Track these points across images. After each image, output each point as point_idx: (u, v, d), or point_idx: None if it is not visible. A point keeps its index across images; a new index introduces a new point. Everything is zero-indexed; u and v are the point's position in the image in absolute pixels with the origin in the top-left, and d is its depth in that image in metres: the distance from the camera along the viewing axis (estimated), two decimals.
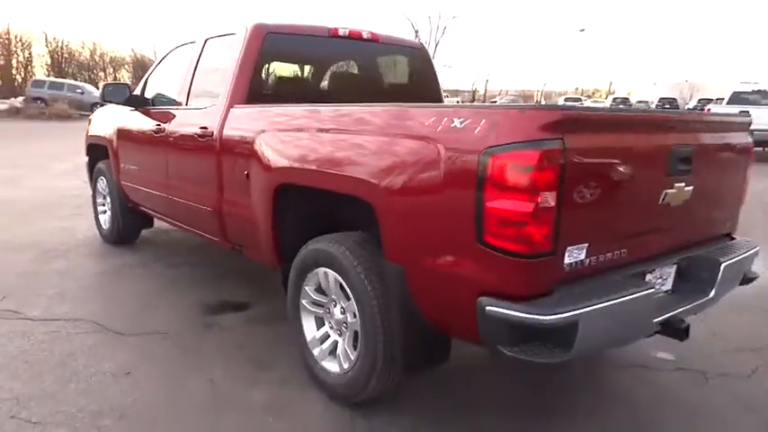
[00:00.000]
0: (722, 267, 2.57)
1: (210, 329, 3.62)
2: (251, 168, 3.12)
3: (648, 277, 2.45)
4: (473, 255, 2.02)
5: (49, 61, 43.28)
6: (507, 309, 1.93)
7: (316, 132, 2.73)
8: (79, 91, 29.04)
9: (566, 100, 43.26)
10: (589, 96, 62.30)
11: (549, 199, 1.89)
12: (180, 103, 4.05)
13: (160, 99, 4.44)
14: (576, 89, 69.34)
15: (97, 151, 5.42)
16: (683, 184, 2.39)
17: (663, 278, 2.54)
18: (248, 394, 2.84)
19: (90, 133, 5.58)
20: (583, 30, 61.05)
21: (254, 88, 3.46)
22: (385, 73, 4.36)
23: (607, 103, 42.56)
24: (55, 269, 4.72)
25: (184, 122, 3.85)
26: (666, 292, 2.59)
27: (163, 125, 4.08)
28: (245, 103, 3.40)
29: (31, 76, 36.30)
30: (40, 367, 3.04)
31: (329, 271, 2.66)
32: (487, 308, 1.97)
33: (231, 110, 3.40)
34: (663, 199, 2.32)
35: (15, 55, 40.56)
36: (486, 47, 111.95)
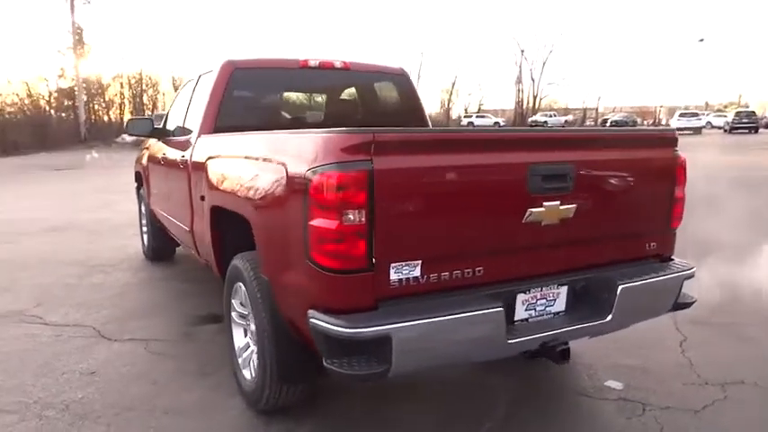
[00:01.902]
0: (619, 290, 2.47)
1: (186, 338, 3.96)
2: (203, 191, 3.45)
3: (522, 297, 2.41)
4: (304, 270, 2.15)
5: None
6: (324, 321, 2.04)
7: (229, 157, 2.99)
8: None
9: (681, 116, 40.41)
10: (720, 110, 57.74)
11: (358, 217, 1.99)
12: (180, 133, 4.50)
13: (171, 130, 4.93)
14: (706, 103, 64.67)
15: (140, 179, 6.08)
16: (556, 203, 2.34)
17: (548, 299, 2.48)
18: (179, 396, 3.10)
19: (136, 162, 6.27)
20: (702, 40, 56.73)
21: (222, 119, 3.79)
22: (360, 100, 4.54)
23: (729, 118, 39.24)
24: (91, 282, 5.36)
25: (175, 151, 4.28)
26: (557, 313, 2.52)
27: (166, 153, 4.56)
28: (210, 133, 3.75)
29: (155, 111, 40.43)
30: (29, 364, 3.52)
31: (241, 285, 2.88)
32: (311, 320, 2.09)
33: (198, 139, 3.76)
34: (527, 217, 2.29)
35: (146, 92, 45.53)
36: (598, 62, 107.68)
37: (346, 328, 1.99)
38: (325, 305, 2.08)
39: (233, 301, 3.08)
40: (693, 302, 2.86)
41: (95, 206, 9.95)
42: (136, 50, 72.83)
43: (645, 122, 61.10)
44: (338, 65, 4.19)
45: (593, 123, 54.87)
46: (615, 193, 2.60)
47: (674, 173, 2.73)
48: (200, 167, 3.50)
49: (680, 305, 2.81)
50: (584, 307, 2.55)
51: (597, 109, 63.31)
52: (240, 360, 3.05)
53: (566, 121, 52.83)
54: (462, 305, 2.14)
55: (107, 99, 42.71)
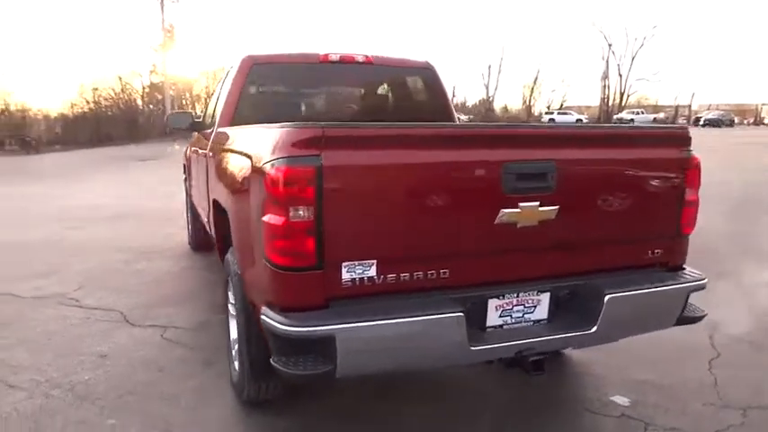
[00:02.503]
0: (606, 299, 2.28)
1: (202, 328, 4.06)
2: (210, 183, 3.52)
3: (495, 303, 2.28)
4: (262, 266, 2.13)
5: None
6: (272, 319, 2.01)
7: (221, 151, 3.02)
8: None
9: None
10: None
11: (307, 213, 1.94)
12: (208, 126, 4.62)
13: (208, 123, 5.07)
14: None
15: (185, 170, 6.31)
16: (534, 204, 2.19)
17: (526, 305, 2.33)
18: (180, 383, 3.18)
19: (184, 155, 6.51)
20: None
21: (239, 113, 3.85)
22: (383, 94, 4.46)
23: None
24: (134, 268, 5.62)
25: (203, 142, 4.40)
26: (538, 321, 2.36)
27: (198, 146, 4.69)
28: (228, 126, 3.81)
29: None
30: (52, 345, 3.73)
31: (230, 279, 2.91)
32: (262, 317, 2.07)
33: (216, 131, 3.84)
34: (500, 218, 2.15)
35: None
36: (693, 56, 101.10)
37: (289, 326, 1.95)
38: (278, 302, 2.05)
39: (229, 293, 3.12)
40: (702, 317, 2.61)
41: (161, 196, 10.43)
42: (222, 46, 75.77)
43: (744, 121, 56.87)
44: (360, 59, 4.14)
45: (685, 121, 51.65)
46: (608, 194, 2.39)
47: (683, 174, 2.48)
48: (212, 159, 3.57)
49: (686, 319, 2.57)
50: (569, 316, 2.38)
51: (690, 106, 59.52)
52: (233, 352, 3.08)
53: (654, 118, 49.93)
54: (417, 308, 2.05)
55: (193, 94, 44.84)
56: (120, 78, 36.53)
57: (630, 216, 2.44)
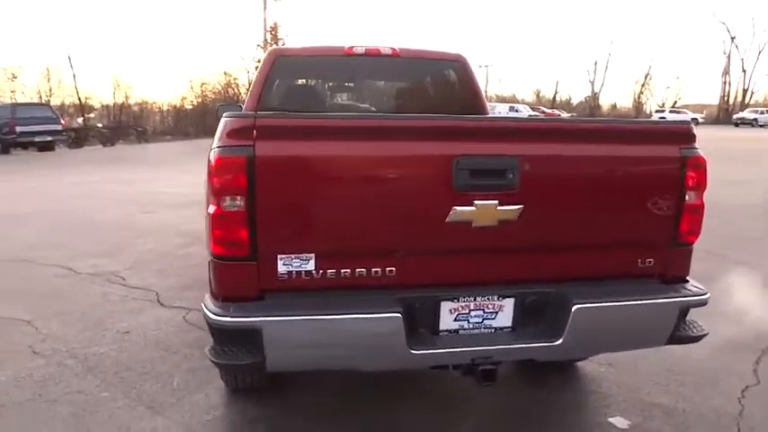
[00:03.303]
0: (574, 310, 2.09)
1: None
2: None
3: (449, 306, 2.14)
4: (208, 256, 2.14)
5: None
6: (207, 308, 2.02)
7: None
8: None
9: None
10: None
11: (238, 203, 1.93)
12: None
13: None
14: None
15: None
16: (492, 202, 2.04)
17: (486, 311, 2.18)
18: (181, 365, 3.29)
19: None
20: None
21: (263, 103, 3.91)
22: (410, 87, 4.35)
23: None
24: (185, 252, 5.91)
25: None
26: (500, 328, 2.20)
27: None
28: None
29: None
30: (85, 319, 4.00)
31: None
32: (202, 305, 2.08)
33: None
34: (451, 217, 2.02)
35: None
36: None
37: (217, 316, 1.95)
38: (216, 292, 2.06)
39: None
40: (701, 337, 2.32)
41: None
42: (325, 43, 77.74)
43: None
44: (385, 51, 4.08)
45: None
46: (584, 195, 2.17)
47: (681, 175, 2.21)
48: None
49: (681, 338, 2.29)
50: (536, 326, 2.20)
51: None
52: None
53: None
54: (351, 306, 1.98)
55: None
56: (226, 73, 38.62)
57: (612, 220, 2.21)
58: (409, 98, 4.40)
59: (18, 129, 21.02)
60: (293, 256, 2.00)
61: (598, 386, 3.09)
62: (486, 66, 60.92)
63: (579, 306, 2.09)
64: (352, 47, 4.05)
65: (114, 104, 38.29)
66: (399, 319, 1.97)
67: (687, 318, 2.36)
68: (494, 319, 2.20)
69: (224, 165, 1.91)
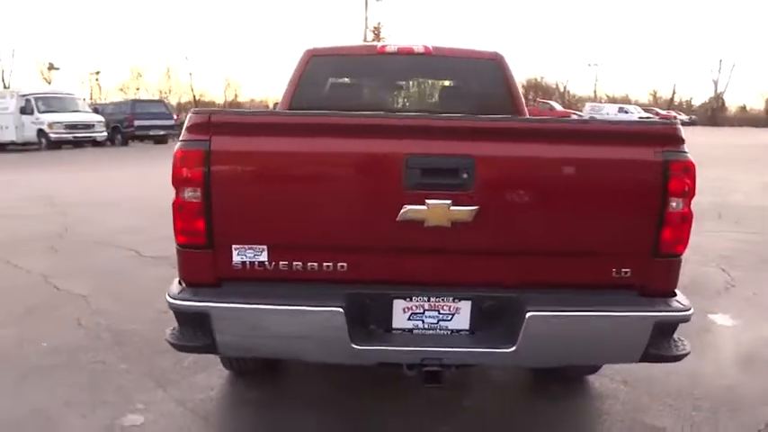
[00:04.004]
0: (528, 317, 2.02)
1: None
2: None
3: (402, 305, 2.14)
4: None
5: None
6: (168, 293, 2.16)
7: None
8: None
9: None
10: None
11: (195, 194, 2.04)
12: None
13: None
14: None
15: None
16: (445, 202, 2.01)
17: (441, 312, 2.15)
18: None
19: None
20: None
21: (295, 101, 4.05)
22: (443, 85, 4.30)
23: None
24: None
25: None
26: (457, 330, 2.17)
27: None
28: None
29: None
30: (136, 297, 4.33)
31: None
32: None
33: None
34: (402, 215, 2.02)
35: None
36: None
37: (172, 298, 2.09)
38: (181, 277, 2.19)
39: None
40: (682, 356, 2.14)
41: None
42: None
43: None
44: (418, 50, 4.07)
45: None
46: (549, 199, 2.07)
47: (663, 181, 2.05)
48: None
49: (657, 357, 2.13)
50: (494, 331, 2.14)
51: None
52: None
53: None
54: (296, 298, 2.03)
55: None
56: None
57: (579, 226, 2.10)
58: (442, 97, 4.37)
59: (136, 123, 23.16)
60: (246, 246, 2.09)
61: (601, 402, 2.93)
62: (596, 64, 58.25)
63: (533, 313, 2.02)
64: (385, 45, 4.09)
65: (225, 102, 40.73)
66: (341, 313, 2.00)
67: (674, 335, 2.19)
68: (450, 320, 2.16)
69: (183, 158, 2.03)
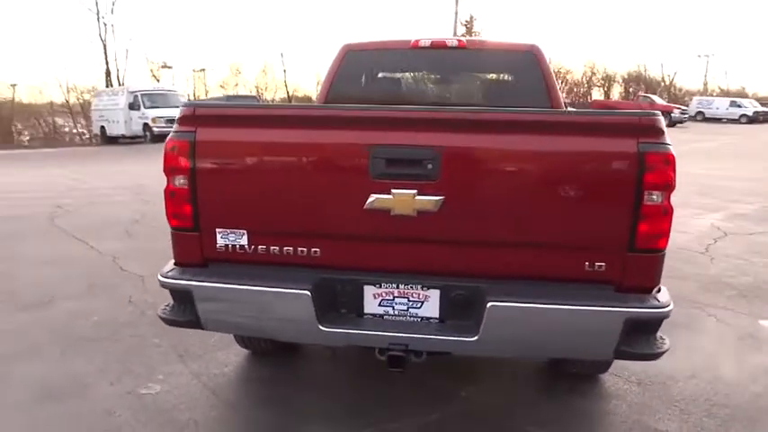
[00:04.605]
0: (488, 307, 2.03)
1: None
2: None
3: (373, 291, 2.21)
4: None
5: None
6: (159, 272, 2.35)
7: None
8: None
9: None
10: None
11: (183, 181, 2.23)
12: None
13: None
14: None
15: None
16: (410, 192, 2.06)
17: (410, 299, 2.20)
18: None
19: None
20: None
21: (331, 95, 4.19)
22: (475, 78, 4.25)
23: None
24: None
25: None
26: (427, 318, 2.21)
27: None
28: None
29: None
30: None
31: None
32: None
33: None
34: (370, 204, 2.09)
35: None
36: None
37: (161, 276, 2.28)
38: (174, 258, 2.38)
39: None
40: (658, 354, 2.06)
41: None
42: (525, 37, 75.74)
43: None
44: (451, 44, 4.08)
45: None
46: (518, 190, 2.06)
47: (639, 173, 1.98)
48: None
49: (631, 354, 2.06)
50: (464, 320, 2.16)
51: None
52: None
53: None
54: (269, 279, 2.16)
55: None
56: None
57: (548, 218, 2.06)
58: (477, 90, 4.34)
59: None
60: (229, 230, 2.24)
61: (606, 402, 2.84)
62: (707, 56, 54.30)
63: (494, 303, 2.02)
64: (419, 40, 4.12)
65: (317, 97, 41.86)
66: (307, 296, 2.11)
67: (655, 333, 2.11)
68: (419, 308, 2.21)
69: (173, 147, 2.22)
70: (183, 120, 2.21)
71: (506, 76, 4.20)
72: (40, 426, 2.60)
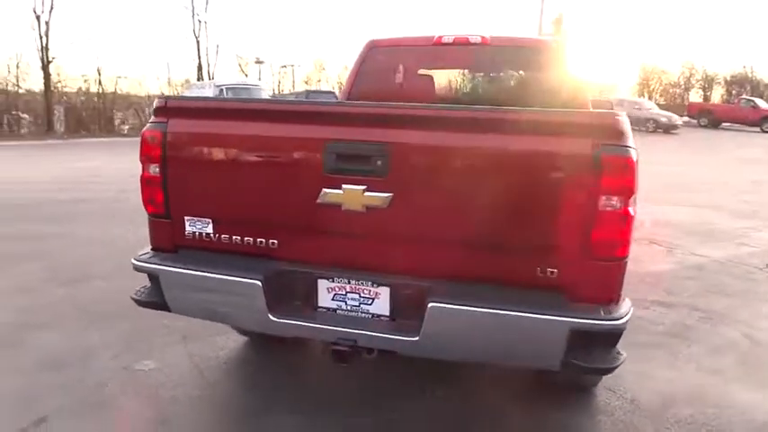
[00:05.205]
0: (429, 308, 2.00)
1: None
2: None
3: (327, 284, 2.23)
4: None
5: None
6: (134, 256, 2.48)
7: None
8: (636, 107, 30.39)
9: None
10: None
11: (155, 170, 2.34)
12: None
13: None
14: None
15: None
16: (359, 188, 2.06)
17: (362, 295, 2.20)
18: None
19: None
20: None
21: (354, 90, 4.23)
22: (498, 74, 4.13)
23: None
24: None
25: None
26: (377, 315, 2.20)
27: None
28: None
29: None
30: None
31: None
32: None
33: None
34: (322, 198, 2.11)
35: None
36: None
37: (134, 260, 2.40)
38: (150, 243, 2.50)
39: None
40: (611, 369, 1.94)
41: None
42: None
43: None
44: (474, 40, 4.00)
45: None
46: (468, 190, 2.00)
47: (594, 176, 1.87)
48: None
49: (578, 367, 1.95)
50: (409, 319, 2.13)
51: None
52: None
53: None
54: (222, 267, 2.22)
55: None
56: None
57: (499, 220, 1.99)
58: (498, 87, 4.23)
59: None
60: (196, 219, 2.33)
61: (588, 417, 2.72)
62: None
63: (434, 305, 1.99)
64: (442, 36, 4.07)
65: None
66: (258, 286, 2.16)
67: (611, 346, 2.00)
68: (370, 305, 2.20)
69: (147, 137, 2.33)
70: (157, 111, 2.32)
71: (529, 73, 4.06)
72: (33, 390, 2.81)
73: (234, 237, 2.30)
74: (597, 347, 1.98)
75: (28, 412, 2.60)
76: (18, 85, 29.13)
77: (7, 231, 6.12)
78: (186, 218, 2.34)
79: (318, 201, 2.11)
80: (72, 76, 31.06)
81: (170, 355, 3.22)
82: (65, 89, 30.36)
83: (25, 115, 27.96)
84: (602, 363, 1.95)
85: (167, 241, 2.41)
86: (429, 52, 4.18)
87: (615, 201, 1.89)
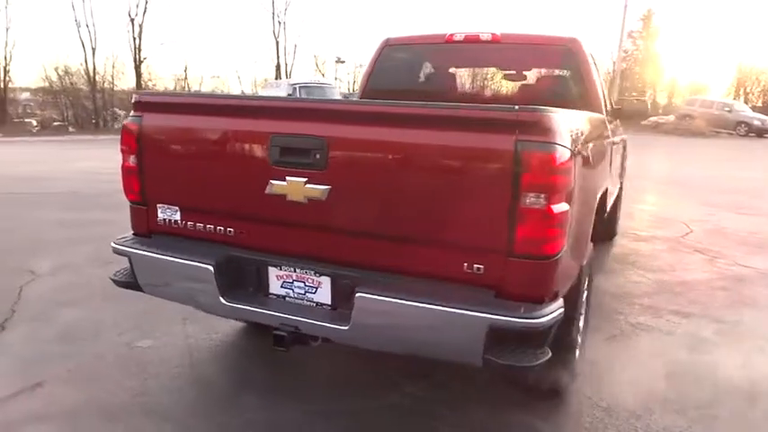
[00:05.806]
0: (356, 297, 2.07)
1: None
2: None
3: (276, 272, 2.34)
4: None
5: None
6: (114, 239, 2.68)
7: None
8: (727, 109, 28.55)
9: None
10: None
11: (132, 161, 2.54)
12: None
13: None
14: None
15: None
16: (300, 180, 2.16)
17: (306, 284, 2.29)
18: None
19: None
20: None
21: (369, 87, 4.31)
22: (510, 72, 4.07)
23: None
24: None
25: None
26: (320, 304, 2.29)
27: None
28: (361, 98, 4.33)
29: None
30: None
31: None
32: None
33: None
34: (269, 189, 2.22)
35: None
36: None
37: (112, 242, 2.61)
38: (131, 228, 2.70)
39: None
40: (529, 367, 1.92)
41: None
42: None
43: None
44: (485, 37, 3.98)
45: None
46: (396, 183, 2.04)
47: (514, 173, 1.87)
48: None
49: (498, 364, 1.95)
50: (346, 308, 2.19)
51: None
52: None
53: None
54: (180, 252, 2.38)
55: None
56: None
57: (427, 214, 2.02)
58: (510, 85, 4.17)
59: None
60: (166, 206, 2.52)
61: (551, 424, 2.65)
62: None
63: (361, 294, 2.05)
64: (453, 34, 4.08)
65: None
66: (209, 270, 2.30)
67: (536, 344, 1.99)
68: (314, 293, 2.29)
69: (126, 130, 2.54)
70: (135, 105, 2.52)
71: (541, 71, 4.00)
72: (40, 359, 3.11)
73: (197, 224, 2.46)
74: (515, 345, 1.97)
75: (28, 377, 2.89)
76: (114, 84, 31.46)
77: (78, 217, 6.69)
78: (158, 205, 2.53)
79: (266, 191, 2.22)
80: (160, 76, 33.13)
81: (169, 335, 3.44)
82: (155, 87, 32.45)
83: (122, 112, 30.15)
84: (520, 360, 1.93)
85: (143, 227, 2.60)
86: (441, 50, 4.20)
87: (539, 197, 1.87)
